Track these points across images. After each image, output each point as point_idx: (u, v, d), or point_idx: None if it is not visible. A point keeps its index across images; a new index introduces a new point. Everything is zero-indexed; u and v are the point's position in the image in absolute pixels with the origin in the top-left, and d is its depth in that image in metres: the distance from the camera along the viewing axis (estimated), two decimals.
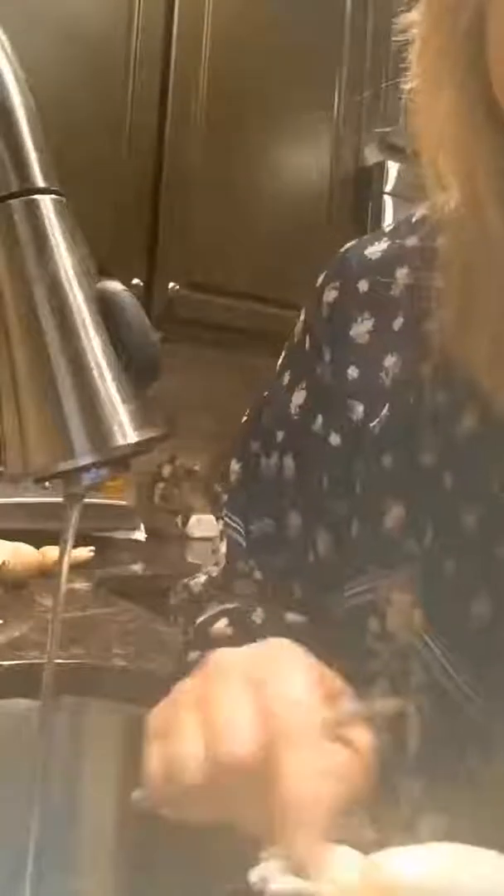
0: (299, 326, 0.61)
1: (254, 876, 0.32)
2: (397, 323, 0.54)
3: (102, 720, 0.89)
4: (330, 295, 0.58)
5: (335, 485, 0.54)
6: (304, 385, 0.58)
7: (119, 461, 0.42)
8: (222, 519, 0.62)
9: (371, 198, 2.23)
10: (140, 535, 1.84)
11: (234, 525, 0.61)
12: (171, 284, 1.90)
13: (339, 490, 0.54)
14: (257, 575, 0.59)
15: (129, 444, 0.41)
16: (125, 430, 0.41)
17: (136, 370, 0.42)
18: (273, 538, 0.58)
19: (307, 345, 0.59)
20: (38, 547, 1.33)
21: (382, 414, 0.52)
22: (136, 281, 1.81)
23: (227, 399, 2.46)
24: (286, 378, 0.60)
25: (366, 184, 2.24)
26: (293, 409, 0.58)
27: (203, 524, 2.23)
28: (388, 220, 2.21)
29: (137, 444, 0.42)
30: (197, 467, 2.31)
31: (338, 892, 0.31)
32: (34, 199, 0.42)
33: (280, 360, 0.62)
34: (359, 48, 2.23)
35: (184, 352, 2.14)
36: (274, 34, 2.06)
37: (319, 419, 0.56)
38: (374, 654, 0.49)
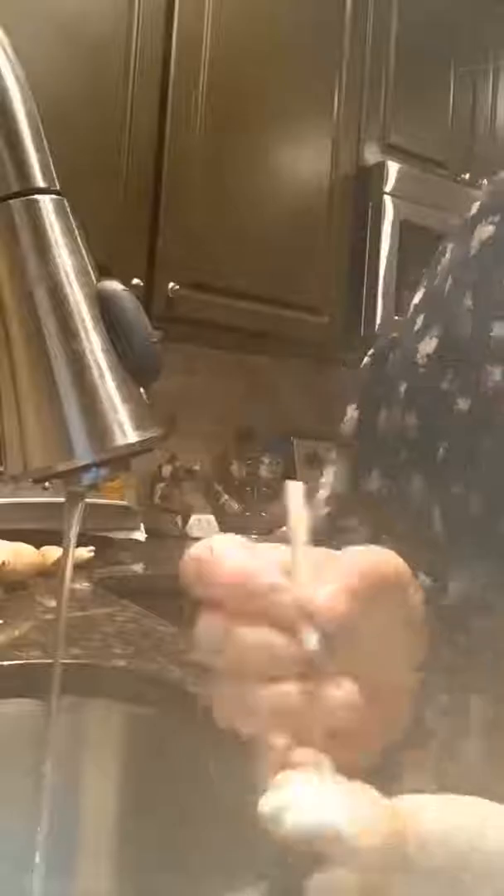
0: (443, 262, 0.52)
1: (267, 803, 0.29)
2: None
3: (102, 720, 0.89)
4: (485, 231, 0.48)
5: (456, 458, 0.46)
6: (436, 332, 0.49)
7: (119, 461, 0.42)
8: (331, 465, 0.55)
9: (371, 198, 2.23)
10: (140, 535, 1.84)
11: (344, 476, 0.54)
12: (171, 284, 1.90)
13: (458, 465, 0.45)
14: (365, 532, 0.52)
15: (129, 444, 0.41)
16: (125, 430, 0.41)
17: (136, 370, 0.42)
18: (389, 500, 0.51)
19: (447, 285, 0.50)
20: (38, 547, 1.33)
21: None
22: (136, 281, 1.81)
23: (227, 399, 2.47)
24: (419, 321, 0.51)
25: (366, 184, 2.24)
26: (420, 358, 0.49)
27: (203, 524, 2.23)
28: (388, 220, 2.22)
29: (137, 443, 0.42)
30: (197, 467, 2.31)
31: (358, 828, 0.29)
32: (34, 199, 0.42)
33: (415, 299, 0.54)
34: (359, 49, 2.23)
35: (184, 352, 2.14)
36: (274, 34, 2.06)
37: (449, 376, 0.47)
38: (464, 668, 0.42)
